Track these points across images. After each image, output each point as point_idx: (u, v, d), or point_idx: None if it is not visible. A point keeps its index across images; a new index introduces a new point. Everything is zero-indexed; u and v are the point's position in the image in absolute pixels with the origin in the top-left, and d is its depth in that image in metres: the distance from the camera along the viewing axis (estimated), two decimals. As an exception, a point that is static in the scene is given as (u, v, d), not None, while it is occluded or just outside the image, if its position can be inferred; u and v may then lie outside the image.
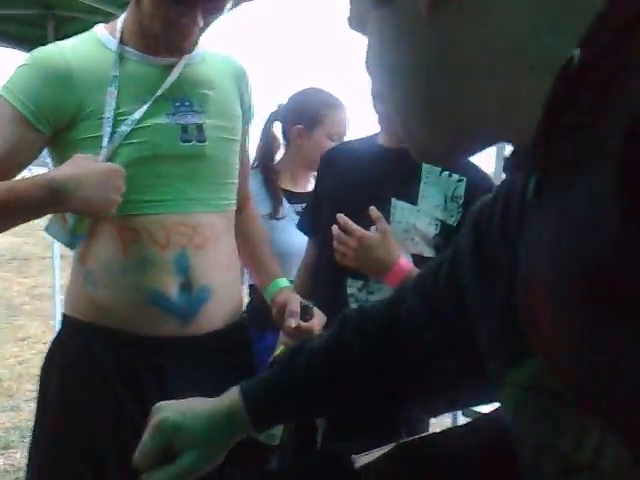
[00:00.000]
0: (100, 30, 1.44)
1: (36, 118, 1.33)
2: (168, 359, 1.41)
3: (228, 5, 1.37)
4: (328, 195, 1.75)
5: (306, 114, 2.20)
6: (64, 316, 1.50)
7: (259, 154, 2.29)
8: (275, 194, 2.17)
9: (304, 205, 2.10)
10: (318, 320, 1.51)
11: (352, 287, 1.65)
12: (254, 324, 1.85)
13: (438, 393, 0.91)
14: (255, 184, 2.14)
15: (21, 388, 4.34)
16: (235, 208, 1.57)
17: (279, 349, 1.52)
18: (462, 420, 2.62)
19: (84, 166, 1.29)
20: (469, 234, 0.70)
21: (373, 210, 1.54)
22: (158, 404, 0.89)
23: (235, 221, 1.57)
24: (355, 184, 1.67)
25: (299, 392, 0.88)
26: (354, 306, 1.62)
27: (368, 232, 1.54)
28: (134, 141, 1.37)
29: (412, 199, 1.60)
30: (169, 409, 0.88)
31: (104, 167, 1.31)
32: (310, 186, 2.25)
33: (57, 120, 1.35)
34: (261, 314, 1.82)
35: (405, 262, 1.54)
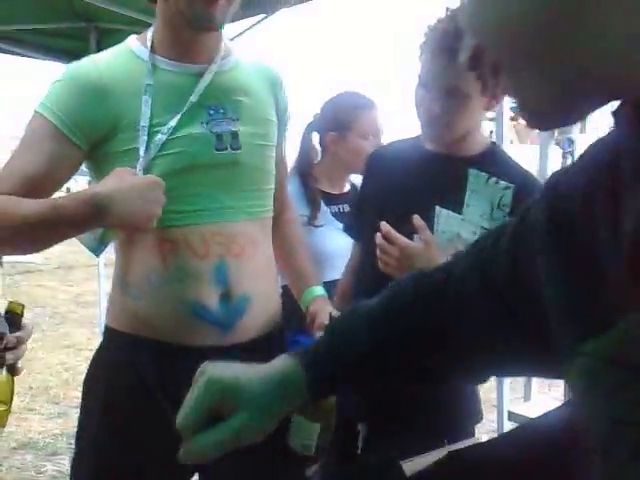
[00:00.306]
0: (132, 41, 1.45)
1: (73, 133, 1.35)
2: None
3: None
4: (373, 198, 1.73)
5: (337, 120, 2.23)
6: (106, 327, 1.51)
7: (297, 162, 2.31)
8: (313, 200, 2.19)
9: (341, 206, 2.14)
10: None
11: None
12: (289, 327, 1.86)
13: (484, 365, 0.88)
14: (292, 188, 2.14)
15: (68, 395, 4.40)
16: (272, 214, 1.56)
17: None
18: (508, 425, 2.59)
19: (125, 180, 1.30)
20: (542, 200, 0.68)
21: (416, 219, 1.52)
22: (204, 365, 0.85)
23: (273, 227, 1.57)
24: (400, 189, 1.64)
25: (362, 355, 0.84)
26: None
27: (410, 242, 1.52)
28: (170, 152, 1.37)
29: (457, 207, 1.56)
30: (219, 369, 0.84)
31: (144, 180, 1.32)
32: (347, 186, 2.30)
33: (94, 134, 1.36)
34: (292, 315, 1.81)
35: None
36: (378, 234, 1.54)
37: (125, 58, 1.42)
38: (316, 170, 2.28)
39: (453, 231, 1.55)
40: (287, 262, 1.68)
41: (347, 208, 2.23)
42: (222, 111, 1.43)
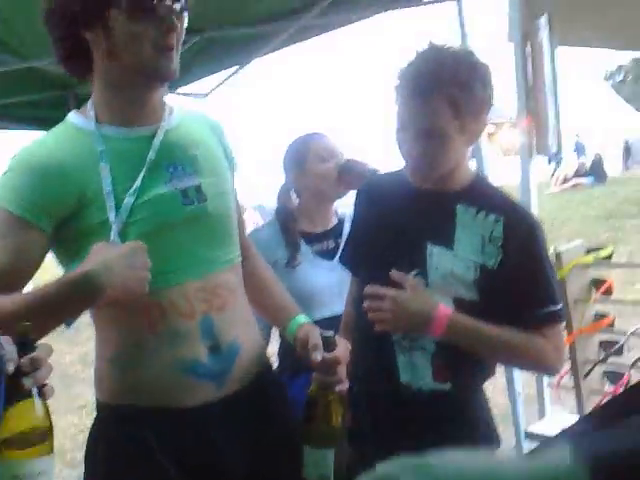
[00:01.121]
0: (72, 117, 1.45)
1: (36, 217, 1.31)
2: (212, 425, 1.41)
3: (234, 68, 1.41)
4: (365, 233, 1.73)
5: (294, 158, 2.30)
6: (98, 402, 1.47)
7: (275, 209, 2.36)
8: (292, 242, 2.22)
9: (325, 242, 2.20)
10: (342, 349, 1.48)
11: (396, 334, 1.61)
12: (286, 368, 1.85)
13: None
14: (270, 232, 2.24)
15: (83, 459, 4.33)
16: (241, 259, 1.57)
17: (312, 386, 1.49)
18: (526, 445, 2.57)
19: (108, 252, 1.29)
20: None
21: (394, 274, 1.54)
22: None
23: (242, 269, 1.58)
24: (390, 226, 1.64)
25: None
26: (399, 353, 1.60)
27: (399, 290, 1.52)
28: (139, 217, 1.37)
29: (448, 243, 1.56)
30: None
31: (127, 247, 1.31)
32: (333, 221, 2.31)
33: (58, 213, 1.34)
34: (292, 356, 1.80)
35: (444, 307, 1.52)
36: (366, 298, 1.55)
37: (70, 134, 1.41)
38: (296, 213, 2.32)
39: (447, 267, 1.55)
40: (264, 299, 1.68)
41: (332, 244, 2.25)
42: (181, 167, 1.44)
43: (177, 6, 1.35)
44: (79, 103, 4.00)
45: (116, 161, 1.38)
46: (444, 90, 1.46)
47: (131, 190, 1.36)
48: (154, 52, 1.34)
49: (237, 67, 4.03)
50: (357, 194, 1.85)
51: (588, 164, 16.13)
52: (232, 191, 1.58)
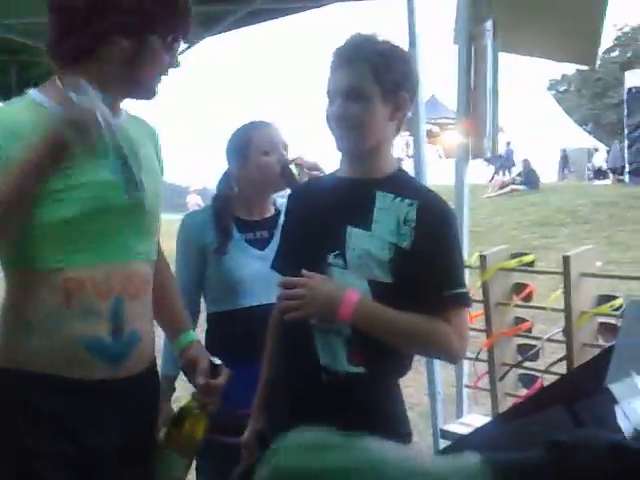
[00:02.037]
0: (34, 93, 1.50)
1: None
2: (100, 401, 1.49)
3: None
4: (294, 232, 1.78)
5: (236, 147, 2.28)
6: None
7: (214, 195, 2.35)
8: (224, 229, 2.21)
9: (259, 232, 2.21)
10: (224, 377, 1.65)
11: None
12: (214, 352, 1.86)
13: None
14: (204, 217, 2.25)
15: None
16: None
17: (189, 401, 1.65)
18: (442, 443, 2.62)
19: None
20: None
21: (304, 272, 1.61)
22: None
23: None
24: (311, 217, 1.70)
25: None
26: (317, 336, 1.65)
27: (309, 278, 1.59)
28: (83, 195, 1.44)
29: (366, 224, 1.63)
30: None
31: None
32: (270, 211, 2.30)
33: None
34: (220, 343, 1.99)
35: (352, 293, 1.58)
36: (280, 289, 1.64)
37: (31, 109, 1.47)
38: (234, 200, 2.30)
39: (363, 247, 1.61)
40: (163, 305, 1.72)
41: (266, 234, 2.25)
42: (127, 160, 1.52)
43: None
44: (22, 70, 3.96)
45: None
46: (365, 55, 1.61)
47: (78, 170, 1.43)
48: (157, 79, 1.54)
49: (187, 45, 3.98)
50: (288, 199, 1.90)
51: (517, 170, 16.56)
52: (161, 195, 1.65)
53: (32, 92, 1.51)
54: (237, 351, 1.97)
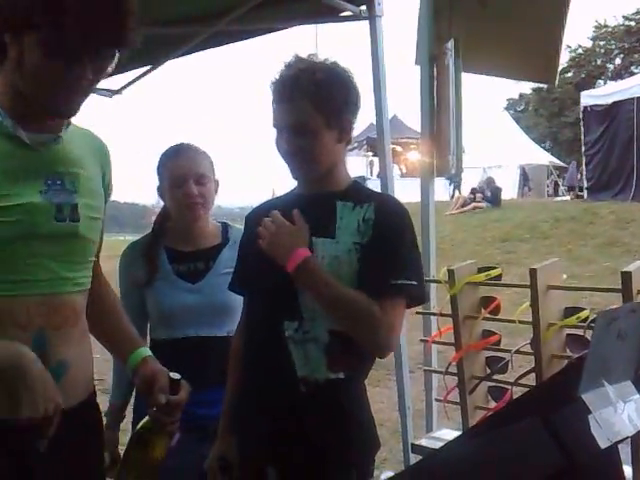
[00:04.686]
0: None
1: None
2: (27, 443, 1.31)
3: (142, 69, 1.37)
4: (254, 253, 1.78)
5: (157, 173, 2.23)
6: None
7: (151, 231, 2.31)
8: (150, 261, 2.19)
9: (192, 264, 2.18)
10: (185, 392, 1.53)
11: (289, 329, 1.69)
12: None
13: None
14: (141, 246, 2.23)
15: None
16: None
17: (147, 421, 1.54)
18: (413, 458, 2.62)
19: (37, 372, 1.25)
20: None
21: (295, 212, 1.70)
22: None
23: (90, 295, 1.55)
24: None
25: None
26: (293, 348, 1.67)
27: (288, 222, 1.68)
28: (6, 219, 1.31)
29: (330, 233, 1.70)
30: None
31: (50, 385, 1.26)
32: (206, 242, 2.24)
33: None
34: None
35: (304, 251, 1.65)
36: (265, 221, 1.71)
37: None
38: (168, 229, 2.28)
39: (331, 254, 1.68)
40: (108, 327, 1.64)
41: (202, 266, 2.20)
42: (59, 182, 1.40)
43: (94, 64, 1.31)
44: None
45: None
46: (303, 90, 1.65)
47: (0, 192, 1.31)
48: (52, 92, 1.31)
49: (149, 67, 3.97)
50: (245, 220, 1.93)
51: (481, 188, 16.74)
52: (102, 218, 1.55)
53: None
54: None
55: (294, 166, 1.74)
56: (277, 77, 1.69)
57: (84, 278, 1.50)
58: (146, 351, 1.61)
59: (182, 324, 2.13)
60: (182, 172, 2.15)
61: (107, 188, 1.59)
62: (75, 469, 1.43)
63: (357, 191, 1.78)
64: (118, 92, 4.31)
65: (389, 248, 1.67)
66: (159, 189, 2.25)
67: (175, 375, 1.53)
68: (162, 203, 2.29)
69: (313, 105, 1.65)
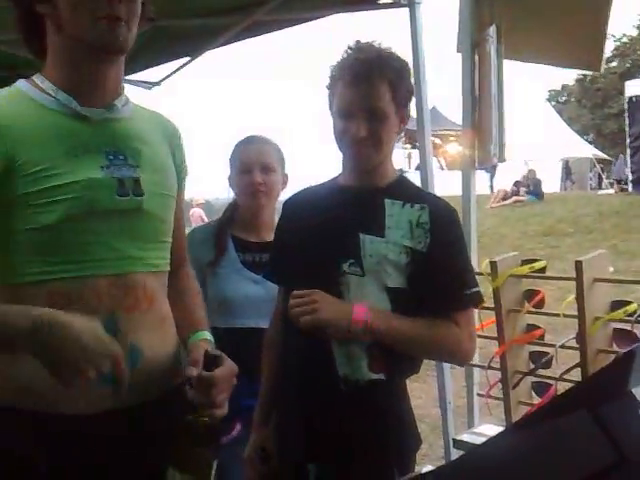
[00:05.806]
0: (22, 84, 1.39)
1: None
2: (102, 439, 1.29)
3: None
4: (292, 242, 1.75)
5: (229, 163, 2.30)
6: None
7: (220, 218, 2.36)
8: (219, 246, 2.21)
9: (258, 255, 2.20)
10: (225, 370, 1.38)
11: None
12: None
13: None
14: (206, 232, 2.27)
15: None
16: (169, 269, 1.49)
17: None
18: (455, 453, 2.58)
19: (83, 325, 1.17)
20: None
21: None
22: None
23: (169, 281, 1.50)
24: (320, 224, 1.68)
25: None
26: (335, 345, 1.63)
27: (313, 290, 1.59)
28: (68, 197, 1.28)
29: (379, 231, 1.64)
30: None
31: (102, 337, 1.19)
32: (268, 235, 2.20)
33: None
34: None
35: (359, 306, 1.58)
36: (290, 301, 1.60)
37: (16, 100, 1.34)
38: (235, 217, 2.32)
39: (380, 254, 1.62)
40: (180, 312, 1.55)
41: (266, 258, 2.16)
42: (122, 157, 1.37)
43: None
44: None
45: (57, 137, 1.31)
46: (384, 73, 1.60)
47: (60, 171, 1.28)
48: (93, 23, 1.29)
49: (189, 58, 3.98)
50: (283, 208, 1.88)
51: (524, 182, 16.48)
52: (174, 197, 1.50)
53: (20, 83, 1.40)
54: None
55: (357, 150, 1.65)
56: (351, 58, 1.63)
57: (157, 259, 1.43)
58: (204, 334, 1.51)
59: (242, 314, 2.15)
60: (249, 160, 2.21)
61: (180, 168, 1.56)
62: (152, 463, 1.36)
63: (404, 187, 1.73)
64: (157, 84, 4.35)
65: (454, 260, 1.66)
66: (229, 178, 2.31)
67: (215, 351, 1.41)
68: (232, 195, 2.36)
69: (390, 91, 1.61)
